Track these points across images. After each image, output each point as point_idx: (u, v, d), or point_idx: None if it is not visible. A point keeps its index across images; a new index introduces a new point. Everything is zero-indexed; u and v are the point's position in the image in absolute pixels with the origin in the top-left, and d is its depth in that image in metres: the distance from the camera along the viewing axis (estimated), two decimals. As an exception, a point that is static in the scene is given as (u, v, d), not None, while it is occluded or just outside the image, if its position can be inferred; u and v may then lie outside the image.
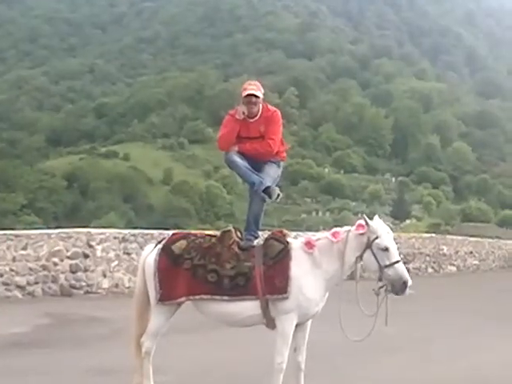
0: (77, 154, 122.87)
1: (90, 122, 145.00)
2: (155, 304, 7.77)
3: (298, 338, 7.73)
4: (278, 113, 8.07)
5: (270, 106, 8.09)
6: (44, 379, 9.20)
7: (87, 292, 18.51)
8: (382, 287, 7.38)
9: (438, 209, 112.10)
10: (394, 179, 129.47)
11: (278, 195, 7.89)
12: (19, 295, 17.41)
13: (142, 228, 26.01)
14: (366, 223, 7.53)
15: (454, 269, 32.30)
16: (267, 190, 7.81)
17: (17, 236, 18.05)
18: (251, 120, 7.89)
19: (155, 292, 7.73)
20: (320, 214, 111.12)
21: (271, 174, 7.99)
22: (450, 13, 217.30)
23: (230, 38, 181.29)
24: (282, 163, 8.31)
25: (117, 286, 19.17)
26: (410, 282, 7.38)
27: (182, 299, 7.67)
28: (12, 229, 26.89)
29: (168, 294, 7.67)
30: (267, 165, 8.05)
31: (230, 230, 7.87)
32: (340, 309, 7.57)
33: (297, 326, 7.63)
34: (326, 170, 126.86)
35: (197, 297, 7.62)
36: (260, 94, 7.81)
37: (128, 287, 18.83)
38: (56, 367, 9.98)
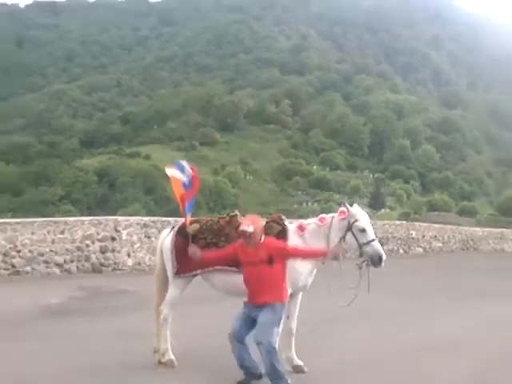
0: (106, 154, 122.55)
1: (117, 128, 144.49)
2: (172, 277, 7.82)
3: (290, 308, 7.72)
4: (272, 239, 7.35)
5: (275, 240, 7.34)
6: (78, 342, 9.21)
7: (114, 269, 18.52)
8: (363, 262, 7.46)
9: (408, 200, 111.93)
10: (371, 175, 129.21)
11: None
12: (57, 272, 17.39)
13: (160, 216, 25.97)
14: (347, 209, 7.60)
15: (421, 250, 32.25)
16: None
17: (56, 222, 18.04)
18: (251, 249, 7.15)
19: (172, 267, 7.79)
20: (309, 204, 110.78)
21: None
22: (419, 36, 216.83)
23: (235, 57, 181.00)
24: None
25: (139, 264, 19.17)
26: (384, 257, 7.48)
27: (198, 271, 7.73)
28: (52, 216, 26.89)
29: (184, 267, 7.72)
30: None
31: (236, 215, 7.90)
32: (329, 282, 7.62)
33: (290, 296, 7.59)
34: (315, 167, 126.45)
35: (210, 268, 7.64)
36: (252, 228, 7.02)
37: (148, 265, 18.84)
38: (88, 332, 10.01)
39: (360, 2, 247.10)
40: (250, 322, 7.12)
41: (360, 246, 7.52)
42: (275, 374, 6.96)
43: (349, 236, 7.58)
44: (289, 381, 7.04)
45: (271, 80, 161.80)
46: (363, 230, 7.53)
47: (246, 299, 7.23)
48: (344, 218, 7.63)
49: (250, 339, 7.10)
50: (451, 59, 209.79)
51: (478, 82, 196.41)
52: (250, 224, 7.06)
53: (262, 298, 7.03)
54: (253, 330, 7.08)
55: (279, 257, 7.09)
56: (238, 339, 7.08)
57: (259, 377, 7.16)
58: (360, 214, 7.60)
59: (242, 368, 7.17)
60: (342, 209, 7.71)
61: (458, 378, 7.97)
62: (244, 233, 7.05)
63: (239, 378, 7.21)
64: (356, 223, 7.54)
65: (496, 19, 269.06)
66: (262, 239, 7.18)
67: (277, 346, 7.05)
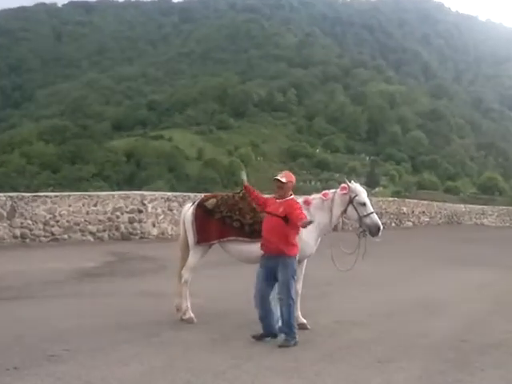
0: (133, 137, 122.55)
1: (143, 114, 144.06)
2: (193, 246, 7.85)
3: (297, 272, 7.68)
4: (295, 201, 7.18)
5: (294, 198, 7.22)
6: (108, 300, 9.29)
7: (141, 238, 18.61)
8: (362, 232, 7.50)
9: (400, 180, 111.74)
10: (367, 158, 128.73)
11: None
12: (91, 239, 17.51)
13: (181, 191, 26.02)
14: (348, 185, 7.58)
15: (410, 224, 32.27)
16: None
17: (89, 196, 18.14)
18: (278, 200, 7.12)
19: (193, 237, 7.81)
20: (312, 183, 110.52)
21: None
22: (410, 34, 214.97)
23: (247, 52, 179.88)
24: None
25: (163, 233, 19.25)
26: (381, 227, 7.55)
27: (215, 241, 7.76)
28: (86, 191, 26.96)
29: (203, 238, 7.75)
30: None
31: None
32: (331, 250, 7.64)
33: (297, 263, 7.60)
34: (317, 150, 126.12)
35: (225, 239, 7.69)
36: (285, 179, 7.07)
37: (171, 235, 18.92)
38: (117, 291, 10.10)
39: (358, 4, 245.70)
40: (270, 278, 7.02)
41: (360, 217, 7.56)
42: (289, 329, 6.93)
43: (350, 209, 7.60)
44: (297, 339, 6.97)
45: (279, 72, 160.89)
46: (363, 204, 7.57)
47: (262, 252, 7.11)
48: (345, 194, 7.64)
49: (272, 296, 7.09)
50: (439, 55, 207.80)
51: (462, 77, 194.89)
52: (284, 176, 7.13)
53: (272, 245, 6.91)
54: (275, 288, 7.07)
55: (291, 218, 6.92)
56: (263, 297, 7.00)
57: (274, 336, 7.07)
58: (360, 190, 7.63)
59: (261, 321, 7.06)
60: (343, 185, 7.72)
61: (439, 335, 7.96)
62: (277, 181, 7.07)
63: (249, 332, 7.16)
64: (356, 197, 7.57)
65: (480, 19, 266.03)
66: (290, 197, 7.12)
67: (294, 296, 7.03)
